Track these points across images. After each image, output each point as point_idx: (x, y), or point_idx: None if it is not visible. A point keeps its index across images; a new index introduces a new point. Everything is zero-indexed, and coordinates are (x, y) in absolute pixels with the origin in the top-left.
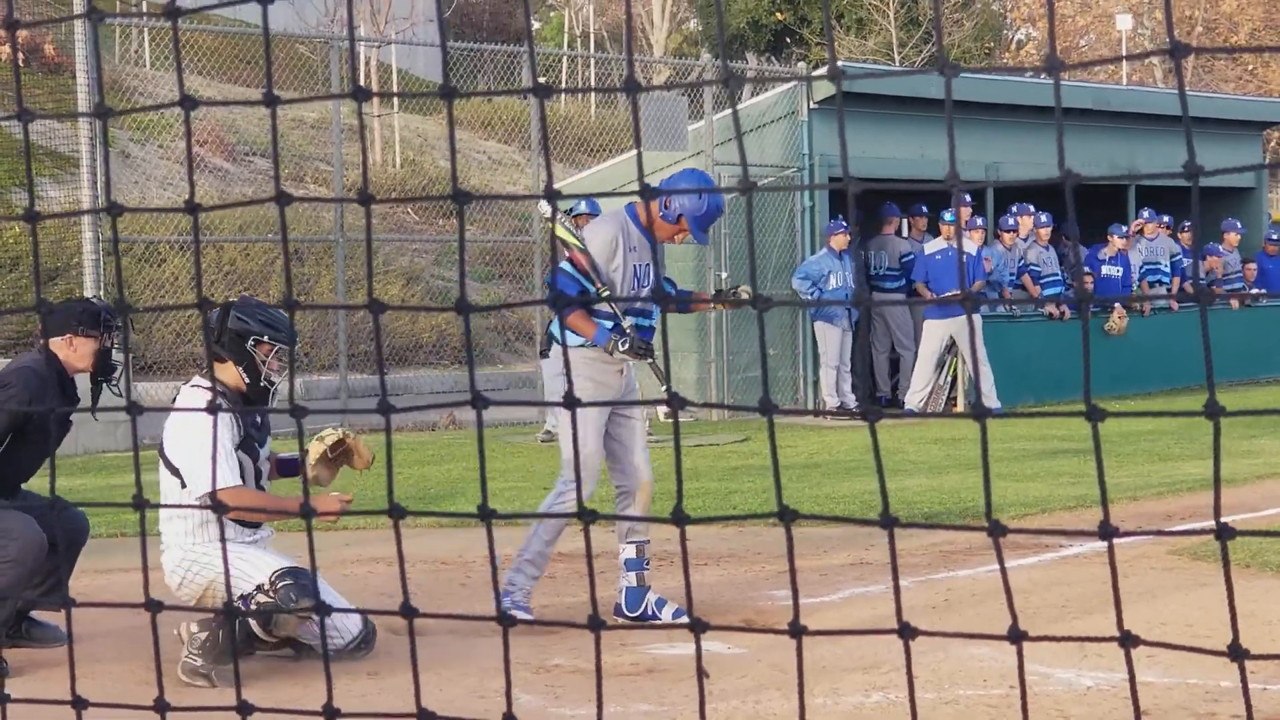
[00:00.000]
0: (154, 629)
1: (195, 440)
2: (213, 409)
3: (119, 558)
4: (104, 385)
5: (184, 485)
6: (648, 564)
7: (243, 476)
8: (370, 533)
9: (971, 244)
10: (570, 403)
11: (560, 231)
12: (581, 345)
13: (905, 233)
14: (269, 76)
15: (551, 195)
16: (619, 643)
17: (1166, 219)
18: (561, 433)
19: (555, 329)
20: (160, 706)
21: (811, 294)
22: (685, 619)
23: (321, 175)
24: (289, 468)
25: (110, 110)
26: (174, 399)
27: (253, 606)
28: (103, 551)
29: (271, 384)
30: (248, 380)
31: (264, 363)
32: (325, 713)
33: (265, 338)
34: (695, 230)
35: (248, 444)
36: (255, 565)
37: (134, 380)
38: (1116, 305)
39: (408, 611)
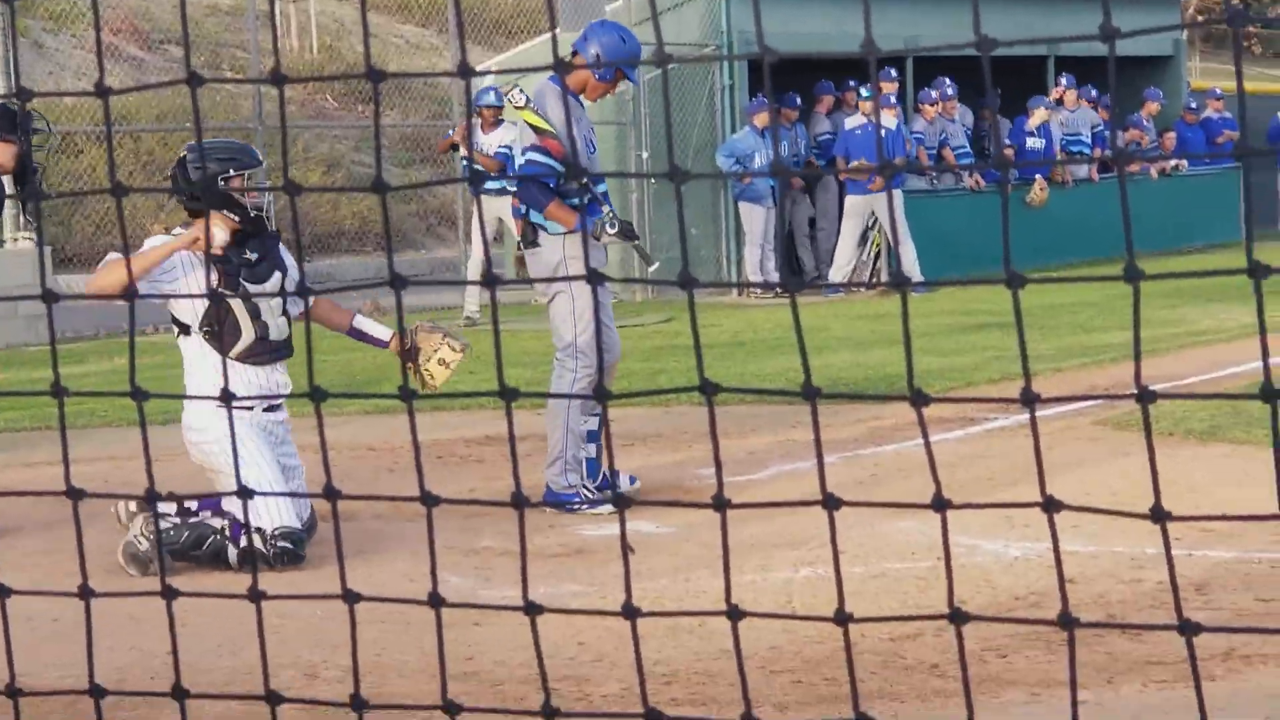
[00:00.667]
0: (75, 516)
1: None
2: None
3: (44, 451)
4: (23, 190)
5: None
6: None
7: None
8: (295, 420)
9: (890, 119)
10: (490, 282)
11: (531, 118)
12: (566, 233)
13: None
14: None
15: (466, 73)
16: (547, 525)
17: (1093, 91)
18: (561, 318)
19: (537, 217)
20: (85, 593)
21: (735, 170)
22: (637, 484)
23: (239, 63)
24: (363, 337)
25: None
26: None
27: (242, 540)
28: (29, 445)
29: (260, 210)
30: (237, 219)
31: (243, 194)
32: (251, 596)
33: (231, 170)
34: (630, 74)
35: (236, 281)
36: (267, 501)
37: (54, 272)
38: (1038, 177)
39: (331, 494)
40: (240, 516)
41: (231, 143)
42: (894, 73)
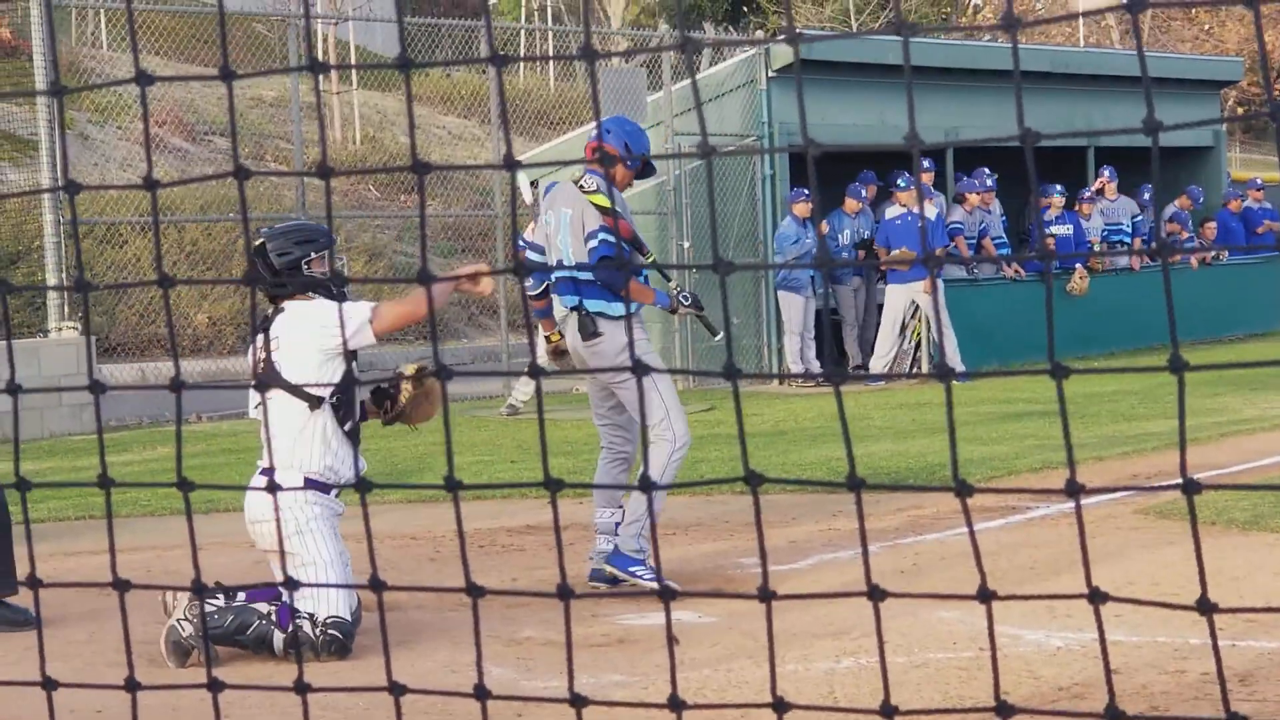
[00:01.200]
0: (122, 608)
1: (339, 315)
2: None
3: (87, 540)
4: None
5: (316, 388)
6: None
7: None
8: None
9: (930, 210)
10: (534, 371)
11: (603, 200)
12: (627, 314)
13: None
14: (224, 50)
15: (511, 165)
16: (589, 614)
17: (1144, 189)
18: (644, 400)
19: (595, 306)
20: (131, 686)
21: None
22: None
23: (282, 154)
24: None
25: (65, 88)
26: (275, 317)
27: (288, 625)
28: (72, 534)
29: (341, 285)
30: (326, 295)
31: (323, 275)
32: (297, 689)
33: (312, 253)
34: (652, 166)
35: (349, 375)
36: (319, 574)
37: (97, 362)
38: (1078, 265)
39: (377, 585)
40: (295, 601)
41: (305, 225)
42: (928, 163)
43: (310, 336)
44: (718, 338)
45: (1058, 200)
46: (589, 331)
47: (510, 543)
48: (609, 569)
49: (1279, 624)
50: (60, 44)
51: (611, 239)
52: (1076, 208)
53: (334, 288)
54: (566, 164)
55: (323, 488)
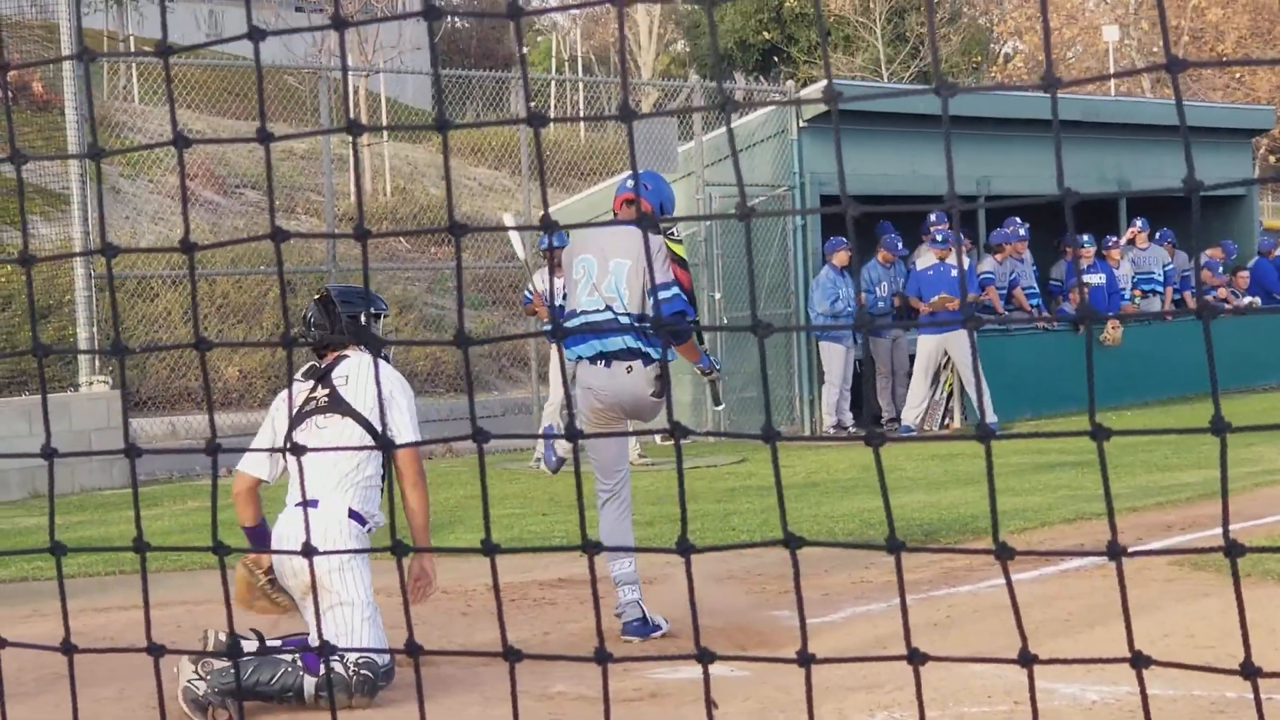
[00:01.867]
0: (157, 673)
1: (406, 404)
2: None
3: (117, 595)
4: None
5: (380, 437)
6: None
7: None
8: (373, 563)
9: (963, 258)
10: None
11: (680, 250)
12: (666, 363)
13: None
14: (262, 112)
15: (549, 226)
16: (621, 668)
17: (1168, 234)
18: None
19: (646, 346)
20: None
21: (815, 314)
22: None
23: (313, 206)
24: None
25: (103, 151)
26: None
27: (319, 668)
28: (101, 589)
29: (389, 348)
30: (376, 354)
31: (378, 333)
32: None
33: (373, 311)
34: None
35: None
36: (353, 624)
37: (129, 417)
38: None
39: (413, 650)
40: (330, 639)
41: (363, 289)
42: (935, 215)
43: (398, 388)
44: (720, 408)
45: (1087, 250)
46: (662, 387)
47: (542, 596)
48: (635, 640)
49: None
50: (93, 98)
51: (684, 293)
52: (1105, 254)
53: (380, 348)
54: (603, 224)
55: (360, 520)
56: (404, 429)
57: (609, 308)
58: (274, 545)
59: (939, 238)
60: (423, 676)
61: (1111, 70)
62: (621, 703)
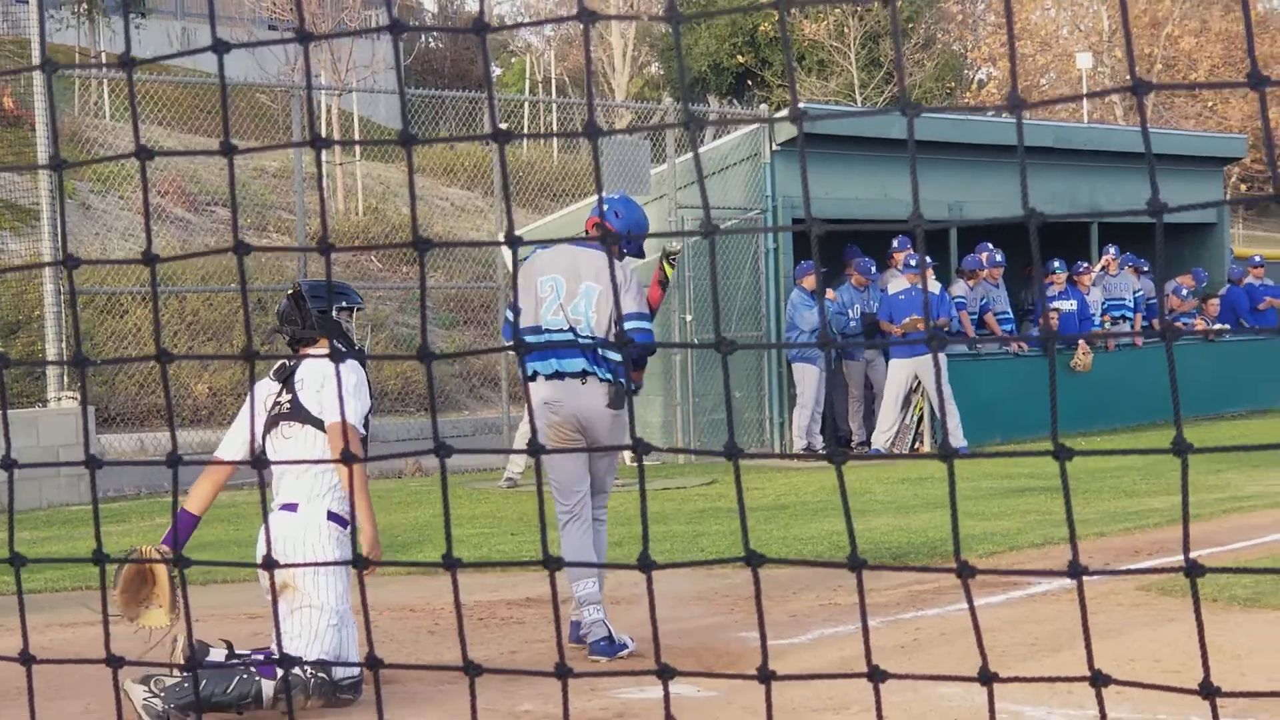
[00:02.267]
0: (115, 686)
1: (351, 392)
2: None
3: (84, 611)
4: None
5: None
6: None
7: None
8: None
9: (934, 284)
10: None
11: (670, 272)
12: (621, 382)
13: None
14: (225, 126)
15: (513, 242)
16: (588, 688)
17: (1143, 263)
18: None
19: (605, 372)
20: None
21: (795, 335)
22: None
23: (284, 224)
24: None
25: (66, 162)
26: (296, 366)
27: (276, 671)
28: (67, 605)
29: (361, 345)
30: (344, 349)
31: (349, 329)
32: None
33: (343, 304)
34: (643, 252)
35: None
36: (318, 628)
37: (96, 433)
38: (1080, 341)
39: (373, 663)
40: (286, 643)
41: (339, 282)
42: (897, 241)
43: (344, 372)
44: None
45: (1059, 276)
46: (621, 403)
47: (510, 615)
48: (602, 660)
49: None
50: (63, 114)
51: (651, 327)
52: (1076, 280)
53: (359, 346)
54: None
55: (341, 522)
56: (330, 410)
57: (573, 329)
58: (262, 545)
59: (911, 262)
60: (386, 694)
61: (1084, 99)
62: None
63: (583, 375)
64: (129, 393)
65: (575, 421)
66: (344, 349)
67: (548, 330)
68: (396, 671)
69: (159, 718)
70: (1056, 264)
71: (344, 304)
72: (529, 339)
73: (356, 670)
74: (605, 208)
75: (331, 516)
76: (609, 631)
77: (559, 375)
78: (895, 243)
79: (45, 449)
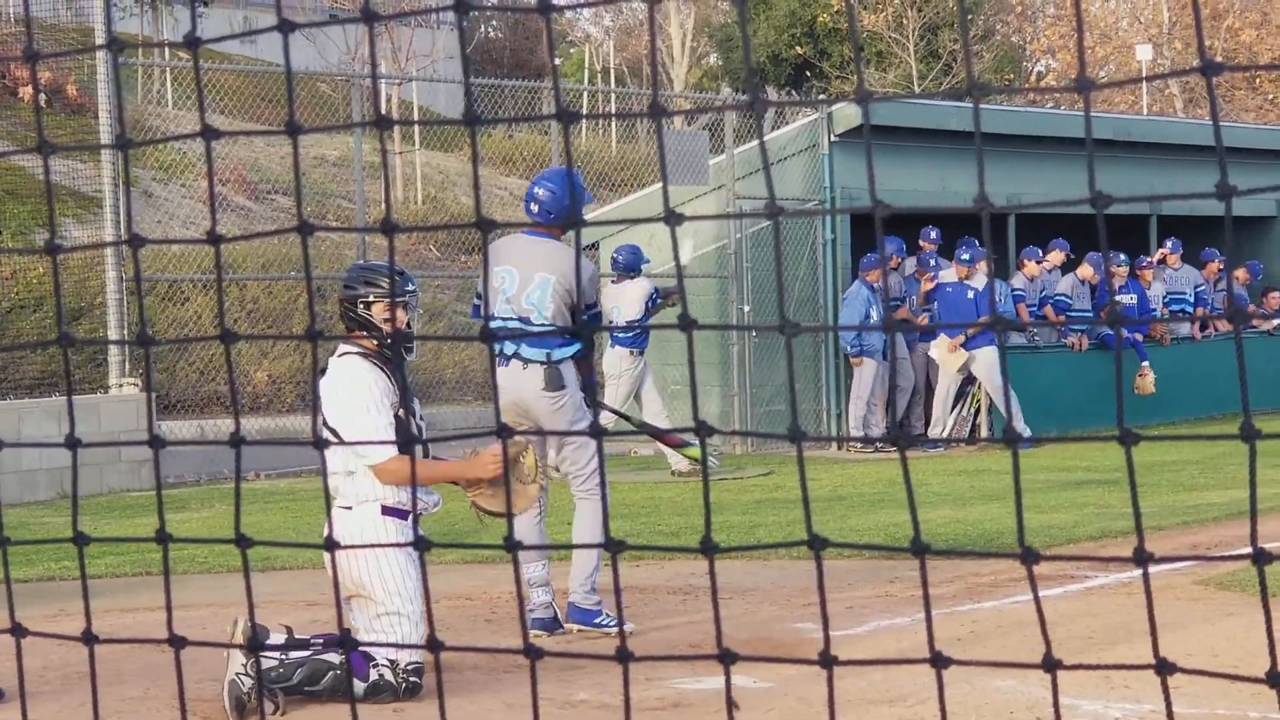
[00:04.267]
0: (177, 665)
1: (354, 403)
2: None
3: (145, 597)
4: None
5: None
6: None
7: (409, 437)
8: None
9: (981, 277)
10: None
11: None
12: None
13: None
14: (291, 104)
15: (579, 224)
16: (644, 677)
17: (1210, 254)
18: (585, 452)
19: (560, 355)
20: None
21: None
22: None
23: (344, 213)
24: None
25: (130, 141)
26: (323, 371)
27: (372, 673)
28: (128, 590)
29: (404, 336)
30: (377, 342)
31: (385, 320)
32: None
33: (371, 296)
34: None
35: (407, 400)
36: (399, 623)
37: (158, 419)
38: (1144, 365)
39: (434, 645)
40: (370, 649)
41: (381, 266)
42: (934, 234)
43: (343, 384)
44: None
45: (1121, 270)
46: (557, 384)
47: (564, 604)
48: (575, 626)
49: None
50: (126, 102)
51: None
52: (1137, 274)
53: (391, 339)
54: (632, 222)
55: (400, 514)
56: (345, 429)
57: (523, 319)
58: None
59: (964, 256)
60: (445, 683)
61: (1144, 89)
62: (645, 711)
63: (524, 361)
64: (189, 380)
65: (516, 408)
66: (375, 347)
67: (499, 318)
68: (453, 660)
69: (239, 700)
70: (1123, 257)
71: (371, 295)
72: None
73: (420, 658)
74: (533, 190)
75: (387, 511)
76: (555, 613)
77: (505, 360)
78: (967, 256)
79: (107, 435)
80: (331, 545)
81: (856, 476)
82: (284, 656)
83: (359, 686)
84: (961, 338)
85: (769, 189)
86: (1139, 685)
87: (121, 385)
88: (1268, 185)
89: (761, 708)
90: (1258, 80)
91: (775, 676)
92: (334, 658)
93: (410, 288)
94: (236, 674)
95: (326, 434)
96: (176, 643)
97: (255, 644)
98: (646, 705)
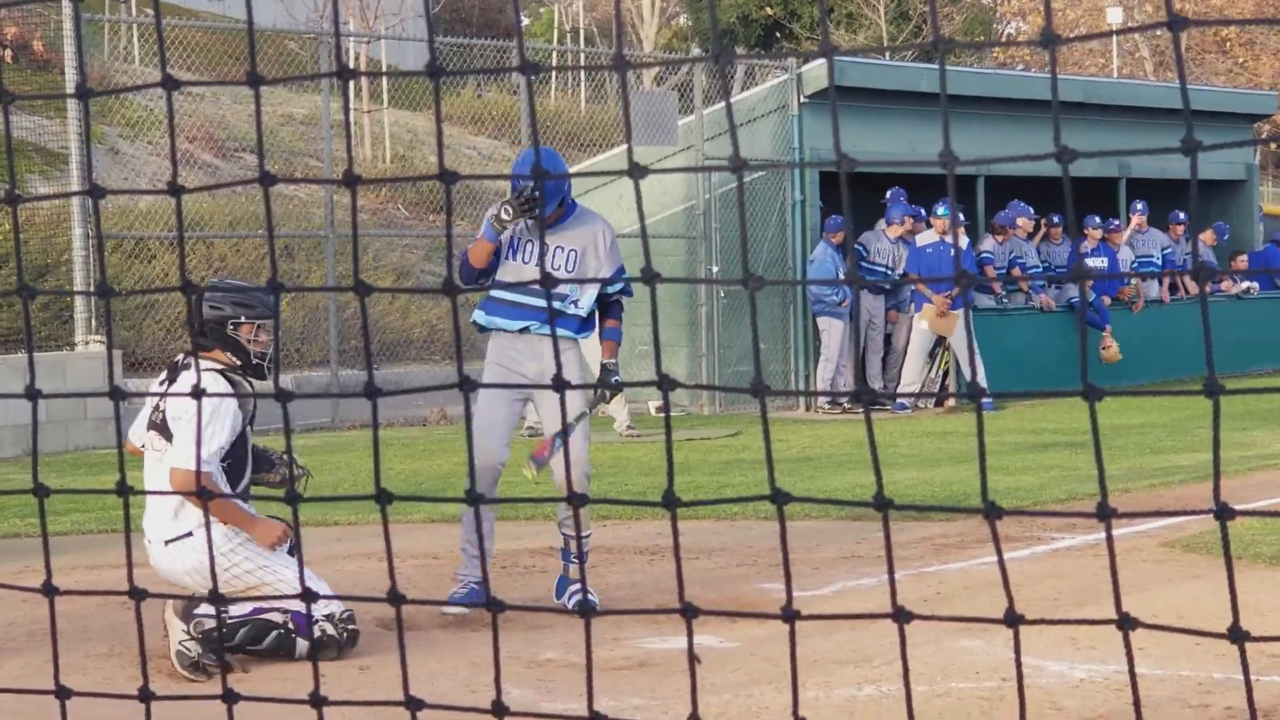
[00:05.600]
0: (138, 617)
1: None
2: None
3: (110, 554)
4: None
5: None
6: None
7: (233, 471)
8: (361, 528)
9: (961, 238)
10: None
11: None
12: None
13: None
14: (252, 56)
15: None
16: (610, 637)
17: (1175, 215)
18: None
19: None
20: (145, 696)
21: (836, 296)
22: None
23: (312, 171)
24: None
25: (91, 91)
26: (180, 371)
27: (316, 631)
28: (95, 547)
29: (263, 359)
30: (239, 363)
31: (250, 341)
32: (312, 701)
33: (242, 318)
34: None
35: (242, 438)
36: (290, 580)
37: (125, 375)
38: (1106, 334)
39: (395, 599)
40: (294, 604)
41: (251, 290)
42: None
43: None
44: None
45: (1093, 233)
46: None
47: (533, 564)
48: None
49: None
50: (92, 59)
51: None
52: (1107, 238)
53: (256, 360)
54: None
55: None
56: (180, 450)
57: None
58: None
59: (940, 209)
60: (409, 641)
61: (1114, 52)
62: (610, 670)
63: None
64: (156, 337)
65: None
66: (232, 371)
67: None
68: (418, 618)
69: (195, 664)
70: (1096, 219)
71: (243, 316)
72: (501, 296)
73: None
74: (548, 188)
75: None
76: (475, 586)
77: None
78: (942, 210)
79: (73, 391)
80: (294, 500)
81: (824, 437)
82: (226, 616)
83: (301, 645)
84: (947, 301)
85: (734, 146)
86: (1104, 646)
87: (88, 342)
88: (1234, 151)
89: (728, 667)
90: (1228, 44)
91: (742, 636)
92: (276, 616)
93: (273, 313)
94: (181, 643)
95: (156, 433)
96: (137, 594)
97: (216, 597)
98: (613, 664)
